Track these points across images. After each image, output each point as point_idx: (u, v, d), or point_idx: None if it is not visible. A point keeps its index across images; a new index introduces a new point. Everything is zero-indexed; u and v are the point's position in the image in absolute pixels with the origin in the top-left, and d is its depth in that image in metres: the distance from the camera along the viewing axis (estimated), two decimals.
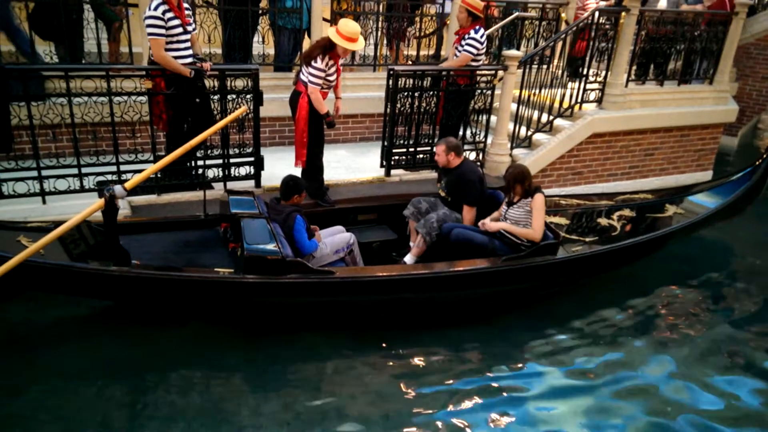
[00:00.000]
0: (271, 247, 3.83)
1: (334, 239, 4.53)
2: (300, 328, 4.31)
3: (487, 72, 6.08)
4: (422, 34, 7.47)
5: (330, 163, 5.67)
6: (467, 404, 3.74)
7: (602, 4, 8.22)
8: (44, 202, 4.57)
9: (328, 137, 6.16)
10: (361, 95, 6.80)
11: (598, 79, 6.91)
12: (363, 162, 6.31)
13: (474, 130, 6.27)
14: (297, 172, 5.07)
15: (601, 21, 6.81)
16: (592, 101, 6.90)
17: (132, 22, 5.96)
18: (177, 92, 4.74)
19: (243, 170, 5.27)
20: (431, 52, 7.82)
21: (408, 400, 3.73)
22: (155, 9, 4.51)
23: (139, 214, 4.73)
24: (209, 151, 5.12)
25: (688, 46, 7.42)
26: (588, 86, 6.81)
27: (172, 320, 4.27)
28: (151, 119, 4.79)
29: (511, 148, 6.51)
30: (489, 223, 4.61)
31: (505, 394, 3.86)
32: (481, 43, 5.75)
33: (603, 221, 5.26)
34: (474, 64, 5.88)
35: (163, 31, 4.55)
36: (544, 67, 6.56)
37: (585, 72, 6.76)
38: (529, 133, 6.65)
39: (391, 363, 4.08)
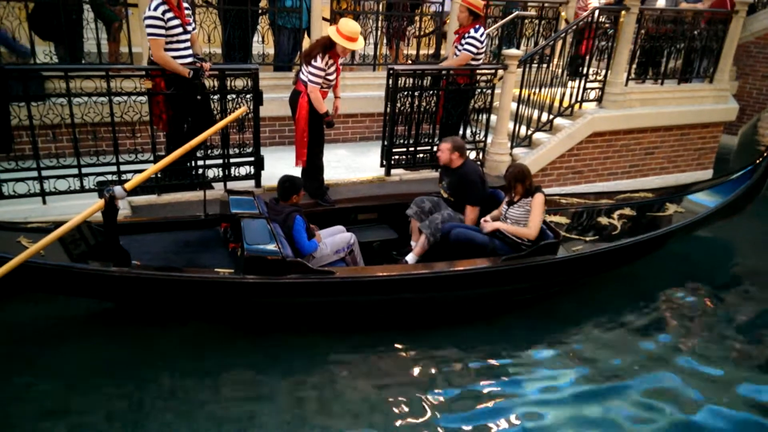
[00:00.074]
0: (271, 247, 3.83)
1: (334, 239, 4.53)
2: (300, 329, 4.31)
3: (487, 71, 6.08)
4: (422, 33, 7.47)
5: (330, 162, 5.67)
6: (467, 404, 3.74)
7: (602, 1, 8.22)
8: (44, 202, 4.57)
9: (328, 137, 6.16)
10: (361, 95, 6.80)
11: (598, 78, 6.91)
12: (363, 161, 6.31)
13: (474, 130, 6.27)
14: (297, 171, 5.07)
15: (601, 20, 6.81)
16: (592, 100, 6.90)
17: (132, 22, 5.96)
18: (177, 92, 4.74)
19: (243, 170, 5.27)
20: (431, 51, 7.81)
21: (408, 399, 3.73)
22: (155, 9, 4.51)
23: (140, 214, 4.73)
24: (209, 151, 5.12)
25: (688, 44, 7.41)
26: (588, 85, 6.80)
27: (172, 320, 4.27)
28: (151, 119, 4.79)
29: (511, 147, 6.51)
30: (486, 224, 4.61)
31: (505, 394, 3.86)
32: (481, 42, 5.75)
33: (603, 220, 5.25)
34: (474, 63, 5.88)
35: (162, 31, 4.55)
36: (544, 66, 6.56)
37: (585, 71, 6.75)
38: (529, 132, 6.65)
39: (391, 363, 4.09)
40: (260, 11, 6.44)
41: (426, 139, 6.07)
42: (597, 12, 6.68)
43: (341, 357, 4.08)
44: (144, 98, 4.76)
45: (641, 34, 7.09)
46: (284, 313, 4.28)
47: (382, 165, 6.04)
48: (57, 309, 4.30)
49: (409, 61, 7.51)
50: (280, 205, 4.35)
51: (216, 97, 4.98)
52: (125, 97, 4.65)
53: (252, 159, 5.26)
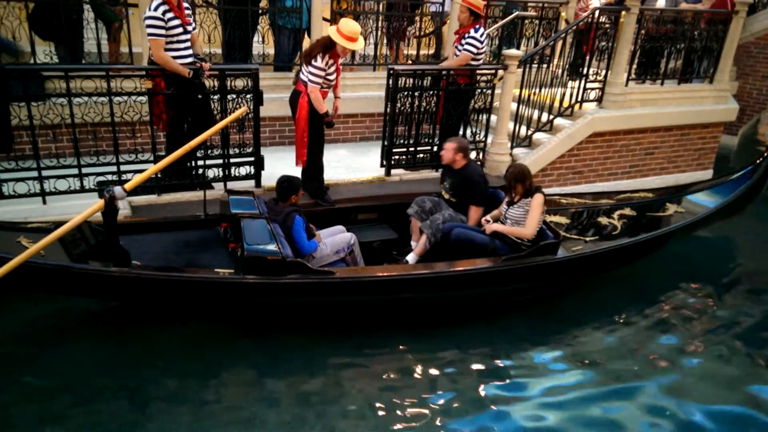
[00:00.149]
0: (271, 247, 3.82)
1: (334, 239, 4.53)
2: (300, 329, 4.31)
3: (487, 71, 6.08)
4: (422, 33, 7.47)
5: (330, 162, 5.67)
6: (467, 404, 3.74)
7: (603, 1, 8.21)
8: (44, 202, 4.57)
9: (328, 137, 6.16)
10: (361, 95, 6.80)
11: (599, 78, 6.91)
12: (363, 161, 6.31)
13: (474, 130, 6.27)
14: (297, 171, 5.07)
15: (601, 20, 6.81)
16: (592, 100, 6.90)
17: (132, 22, 5.96)
18: (177, 92, 4.74)
19: (243, 170, 5.27)
20: (431, 51, 7.81)
21: (408, 399, 3.73)
22: (155, 9, 4.51)
23: (140, 214, 4.73)
24: (209, 151, 5.12)
25: (688, 45, 7.41)
26: (588, 85, 6.80)
27: (172, 320, 4.27)
28: (151, 119, 4.79)
29: (512, 147, 6.51)
30: (486, 225, 4.62)
31: (505, 394, 3.86)
32: (481, 42, 5.75)
33: (603, 220, 5.25)
34: (474, 63, 5.88)
35: (163, 31, 4.55)
36: (544, 66, 6.56)
37: (585, 71, 6.75)
38: (530, 132, 6.65)
39: (391, 363, 4.08)
40: (260, 11, 6.44)
41: (426, 139, 6.07)
42: (597, 12, 6.68)
43: (341, 357, 4.08)
44: (144, 98, 4.76)
45: (641, 34, 7.09)
46: (284, 313, 4.28)
47: (382, 165, 6.04)
48: (57, 309, 4.30)
49: (410, 62, 7.51)
50: (279, 206, 4.35)
51: (216, 97, 4.98)
52: (125, 97, 4.65)
53: (252, 159, 5.26)
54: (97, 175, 4.72)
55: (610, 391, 3.96)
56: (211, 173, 5.16)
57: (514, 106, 6.44)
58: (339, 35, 4.75)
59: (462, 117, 6.10)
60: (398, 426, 3.52)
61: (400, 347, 4.23)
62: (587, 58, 6.84)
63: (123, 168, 4.76)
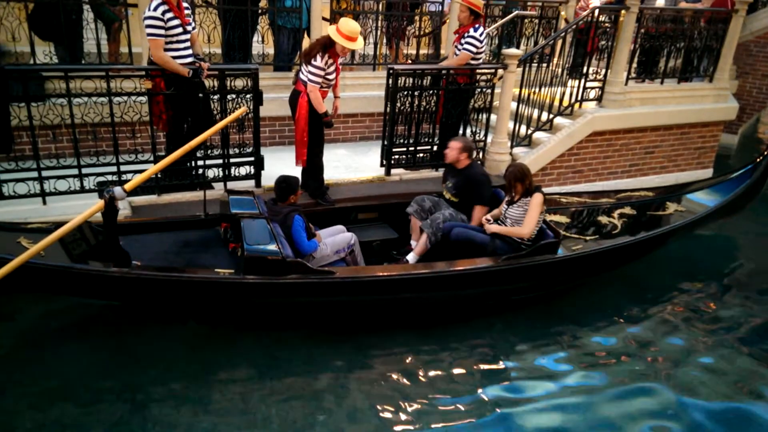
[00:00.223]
0: (271, 247, 3.83)
1: (335, 239, 4.53)
2: (301, 329, 4.31)
3: (486, 70, 6.08)
4: (422, 33, 7.47)
5: (330, 162, 5.66)
6: (467, 404, 3.74)
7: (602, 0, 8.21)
8: (45, 202, 4.56)
9: (328, 136, 6.16)
10: (361, 94, 6.80)
11: (598, 78, 6.90)
12: (363, 161, 6.31)
13: (474, 129, 6.27)
14: (297, 171, 5.07)
15: (600, 19, 6.80)
16: (592, 99, 6.89)
17: (131, 23, 5.96)
18: (177, 92, 4.74)
19: (243, 170, 5.27)
20: (431, 51, 7.81)
21: (408, 400, 3.73)
22: (154, 9, 4.51)
23: (140, 215, 4.73)
24: (209, 151, 5.12)
25: (688, 43, 7.41)
26: (588, 84, 6.80)
27: (171, 321, 4.26)
28: (151, 119, 4.79)
29: (511, 146, 6.50)
30: (487, 225, 4.62)
31: (505, 393, 3.87)
32: (481, 42, 5.75)
33: (603, 219, 5.25)
34: (474, 62, 5.87)
35: (162, 31, 4.55)
36: (544, 65, 6.56)
37: (585, 70, 6.75)
38: (529, 131, 6.65)
39: (391, 363, 4.08)
40: (260, 11, 6.43)
41: (426, 139, 6.07)
42: (597, 11, 6.68)
43: (342, 357, 4.07)
44: (144, 98, 4.76)
45: (641, 33, 7.09)
46: (285, 313, 4.28)
47: (382, 165, 6.04)
48: (57, 310, 4.30)
49: (409, 61, 7.50)
50: (278, 206, 4.35)
51: (216, 97, 4.98)
52: (125, 98, 4.65)
53: (252, 159, 5.25)
54: (97, 176, 4.72)
55: (611, 391, 3.96)
56: (211, 173, 5.15)
57: (513, 105, 6.43)
58: (338, 35, 4.75)
59: (462, 116, 6.10)
60: (398, 426, 3.52)
61: (401, 347, 4.23)
62: (590, 56, 6.83)
63: (123, 168, 4.76)
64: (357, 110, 6.84)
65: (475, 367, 4.12)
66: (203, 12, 5.99)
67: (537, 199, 4.46)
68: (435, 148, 6.12)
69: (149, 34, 4.54)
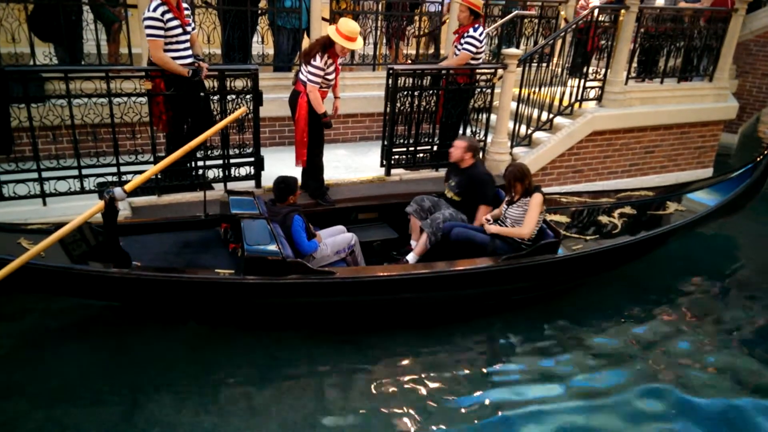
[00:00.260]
0: (271, 247, 3.83)
1: (335, 240, 4.53)
2: (301, 329, 4.31)
3: (486, 70, 6.08)
4: (421, 33, 7.47)
5: (330, 162, 5.66)
6: (467, 404, 3.74)
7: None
8: (45, 203, 4.57)
9: (328, 137, 6.16)
10: (361, 94, 6.80)
11: (598, 77, 6.90)
12: (363, 161, 6.31)
13: (474, 129, 6.27)
14: (297, 171, 5.07)
15: (600, 18, 6.80)
16: (592, 99, 6.89)
17: (131, 23, 5.96)
18: (177, 93, 4.74)
19: (243, 170, 5.27)
20: (430, 51, 7.81)
21: (408, 400, 3.73)
22: (154, 10, 4.51)
23: (140, 215, 4.73)
24: (209, 152, 5.12)
25: (687, 43, 7.41)
26: (588, 84, 6.80)
27: (172, 321, 4.27)
28: (150, 120, 4.79)
29: (511, 146, 6.50)
30: (488, 226, 4.62)
31: (506, 393, 3.86)
32: (481, 42, 5.75)
33: (604, 219, 5.25)
34: (473, 62, 5.88)
35: (161, 32, 4.55)
36: (544, 65, 6.55)
37: (589, 69, 6.75)
38: (529, 131, 6.65)
39: (391, 363, 4.08)
40: (260, 12, 6.44)
41: (426, 139, 6.07)
42: (597, 11, 6.68)
43: (342, 357, 4.08)
44: (144, 99, 4.76)
45: (641, 32, 7.09)
46: (285, 313, 4.28)
47: (382, 165, 6.04)
48: (57, 310, 4.30)
49: (409, 61, 7.50)
50: (277, 207, 4.35)
51: (216, 97, 4.98)
52: (125, 98, 4.65)
53: (252, 159, 5.26)
54: (97, 177, 4.72)
55: (611, 391, 3.95)
56: (211, 174, 5.15)
57: (513, 105, 6.43)
58: (338, 34, 4.75)
59: (462, 116, 6.10)
60: (398, 426, 3.52)
61: (401, 347, 4.23)
62: (592, 55, 6.83)
63: (123, 169, 4.76)
64: (357, 110, 6.84)
65: (475, 367, 4.12)
66: (203, 13, 5.99)
67: (537, 199, 4.46)
68: (435, 148, 6.12)
69: (148, 35, 4.54)
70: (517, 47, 7.83)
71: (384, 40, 7.41)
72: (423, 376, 3.96)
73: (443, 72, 5.95)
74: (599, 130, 6.85)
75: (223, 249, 4.24)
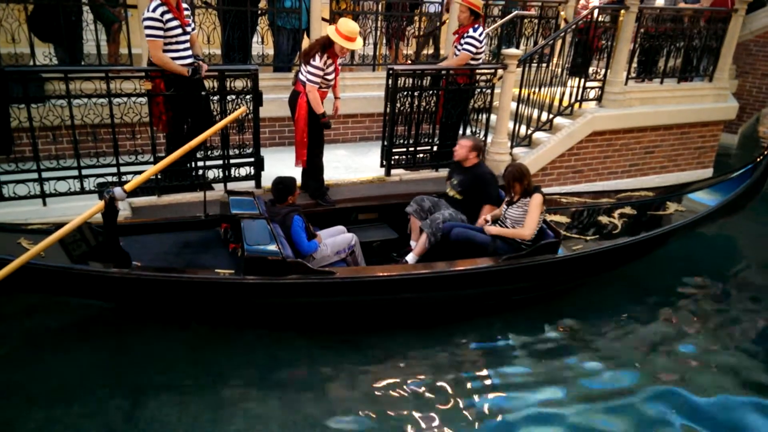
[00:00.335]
0: (271, 247, 3.83)
1: (335, 240, 4.53)
2: (301, 329, 4.31)
3: (486, 71, 6.08)
4: (421, 33, 7.48)
5: (330, 162, 5.66)
6: (466, 403, 3.73)
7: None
8: (45, 204, 4.57)
9: (328, 137, 6.16)
10: (361, 95, 6.80)
11: (598, 77, 6.91)
12: (363, 162, 6.31)
13: (474, 129, 6.27)
14: (297, 172, 5.07)
15: (600, 19, 6.80)
16: (591, 99, 6.89)
17: (131, 24, 5.96)
18: (176, 93, 4.74)
19: (243, 171, 5.27)
20: (430, 51, 7.81)
21: (409, 400, 3.73)
22: (153, 10, 4.51)
23: (140, 216, 4.73)
24: (209, 152, 5.12)
25: (687, 43, 7.41)
26: (588, 84, 6.80)
27: (172, 321, 4.26)
28: (150, 120, 4.79)
29: (511, 146, 6.51)
30: (487, 227, 4.62)
31: (506, 394, 3.86)
32: (480, 42, 5.75)
33: (604, 219, 5.25)
34: (473, 62, 5.88)
35: (161, 32, 4.55)
36: (544, 65, 6.55)
37: (592, 69, 6.75)
38: (529, 131, 6.65)
39: (392, 363, 4.08)
40: (259, 12, 6.44)
41: (426, 139, 6.07)
42: (597, 11, 6.68)
43: (342, 357, 4.07)
44: (144, 99, 4.76)
45: (641, 33, 7.09)
46: (285, 313, 4.28)
47: (382, 165, 6.04)
48: (57, 311, 4.30)
49: (409, 61, 7.50)
50: (277, 207, 4.35)
51: (216, 98, 4.98)
52: (125, 99, 4.65)
53: (252, 160, 5.26)
54: (97, 177, 4.72)
55: (611, 391, 3.95)
56: (211, 174, 5.16)
57: (513, 105, 6.43)
58: (337, 34, 4.75)
59: (462, 116, 6.10)
60: (399, 426, 3.51)
61: (401, 347, 4.22)
62: (594, 55, 6.83)
63: (123, 169, 4.76)
64: (357, 111, 6.84)
65: (475, 367, 4.12)
66: (203, 13, 6.00)
67: (536, 199, 4.46)
68: (435, 148, 6.12)
69: (148, 35, 4.54)
70: (517, 47, 7.83)
71: (384, 41, 7.41)
72: (423, 376, 3.95)
73: (443, 72, 5.95)
74: (599, 130, 6.85)
75: (223, 249, 4.24)
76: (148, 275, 3.70)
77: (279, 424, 3.45)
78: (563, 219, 5.18)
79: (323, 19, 6.42)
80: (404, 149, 5.99)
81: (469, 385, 3.91)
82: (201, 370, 3.82)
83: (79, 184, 4.65)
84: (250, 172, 5.30)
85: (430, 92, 5.90)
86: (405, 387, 3.84)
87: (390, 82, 5.63)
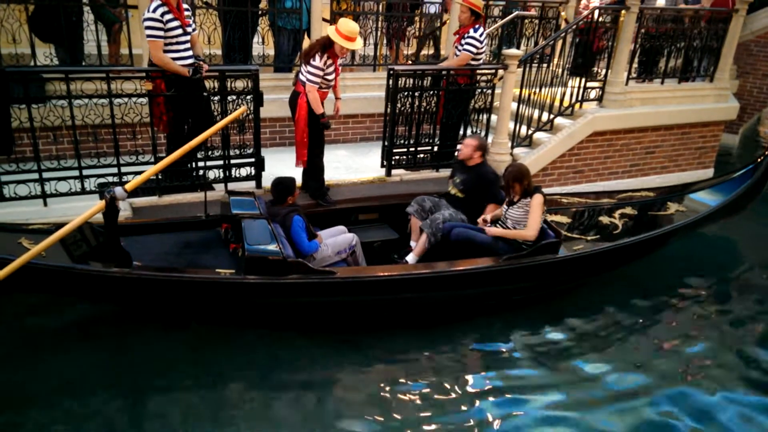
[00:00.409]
0: (272, 247, 3.83)
1: (336, 240, 4.53)
2: (302, 329, 4.30)
3: (487, 71, 6.08)
4: (421, 34, 7.48)
5: (330, 163, 5.67)
6: (466, 404, 3.73)
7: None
8: (45, 204, 4.57)
9: (329, 137, 6.16)
10: (362, 95, 6.80)
11: (599, 78, 6.90)
12: (364, 162, 6.31)
13: (474, 129, 6.27)
14: (298, 172, 5.07)
15: (601, 19, 6.80)
16: (592, 99, 6.89)
17: (132, 24, 5.96)
18: (177, 93, 4.74)
19: (244, 171, 5.27)
20: (431, 51, 7.81)
21: (409, 400, 3.72)
22: (154, 11, 4.51)
23: (141, 216, 4.73)
24: (210, 153, 5.12)
25: (688, 43, 7.40)
26: (588, 84, 6.80)
27: (173, 323, 4.26)
28: (151, 121, 4.79)
29: (512, 147, 6.50)
30: (488, 229, 4.61)
31: (507, 394, 3.86)
32: (481, 42, 5.75)
33: (604, 219, 5.25)
34: (474, 63, 5.88)
35: (161, 33, 4.55)
36: (544, 65, 6.56)
37: (595, 69, 6.75)
38: (530, 132, 6.64)
39: (392, 363, 4.08)
40: (260, 12, 6.44)
41: (426, 140, 6.07)
42: (597, 11, 6.68)
43: (343, 357, 4.07)
44: (144, 100, 4.76)
45: (641, 33, 7.09)
46: (285, 313, 4.28)
47: (382, 165, 6.04)
48: (58, 310, 4.30)
49: (409, 62, 7.50)
50: (276, 208, 4.35)
51: (216, 98, 4.98)
52: (126, 99, 4.66)
53: (253, 160, 5.26)
54: (98, 177, 4.72)
55: (613, 391, 3.95)
56: (211, 174, 5.16)
57: (514, 105, 6.43)
58: (337, 34, 4.76)
59: (462, 117, 6.10)
60: (399, 426, 3.51)
61: (401, 347, 4.22)
62: (596, 56, 6.83)
63: (124, 170, 4.76)
64: (357, 111, 6.84)
65: (475, 367, 4.12)
66: (203, 13, 6.00)
67: (537, 199, 4.46)
68: (435, 148, 6.12)
69: (148, 36, 4.54)
70: (518, 48, 7.83)
71: (384, 41, 7.41)
72: (423, 376, 3.95)
73: (444, 72, 5.95)
74: (600, 130, 6.85)
75: (223, 249, 4.24)
76: (149, 275, 3.70)
77: (279, 424, 3.45)
78: (564, 219, 5.18)
79: (324, 20, 6.42)
80: (405, 149, 5.99)
81: (469, 386, 3.90)
82: (201, 371, 3.82)
83: (80, 185, 4.65)
84: (250, 173, 5.30)
85: (431, 92, 5.90)
86: (405, 387, 3.84)
87: (391, 82, 5.63)
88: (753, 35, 9.72)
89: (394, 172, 5.99)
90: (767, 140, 10.31)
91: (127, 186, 3.51)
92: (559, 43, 6.75)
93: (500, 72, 6.11)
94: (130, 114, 4.73)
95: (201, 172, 5.10)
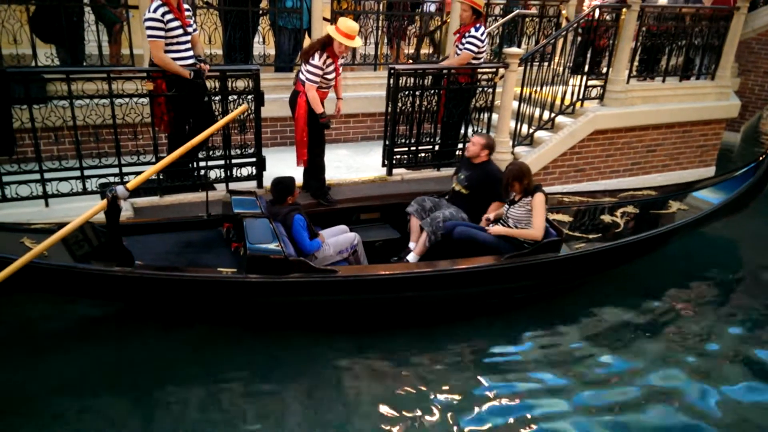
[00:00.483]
0: (273, 246, 3.83)
1: (338, 239, 4.53)
2: (303, 328, 4.30)
3: (488, 70, 6.07)
4: (420, 33, 7.48)
5: (331, 162, 5.66)
6: (467, 403, 3.72)
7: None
8: (47, 204, 4.57)
9: (329, 137, 6.16)
10: (362, 94, 6.80)
11: (600, 76, 6.89)
12: (365, 161, 6.31)
13: (475, 128, 6.26)
14: (299, 171, 5.06)
15: (602, 17, 6.80)
16: (593, 98, 6.89)
17: (132, 24, 5.97)
18: (178, 93, 4.74)
19: (245, 171, 5.27)
20: (430, 50, 7.81)
21: (410, 399, 3.72)
22: (154, 11, 4.51)
23: (142, 216, 4.73)
24: (211, 152, 5.12)
25: (689, 41, 7.39)
26: (589, 83, 6.79)
27: (174, 322, 4.26)
28: (152, 121, 4.79)
29: (513, 145, 6.50)
30: (491, 228, 4.61)
31: (508, 393, 3.85)
32: (482, 41, 5.75)
33: (606, 218, 5.24)
34: (475, 62, 5.87)
35: (162, 33, 4.55)
36: (546, 64, 6.55)
37: (599, 67, 6.74)
38: (531, 130, 6.64)
39: (394, 362, 4.07)
40: (261, 12, 6.45)
41: (427, 139, 6.06)
42: (598, 10, 6.67)
43: (344, 356, 4.07)
44: (145, 100, 4.77)
45: (642, 31, 7.08)
46: (287, 312, 4.28)
47: (383, 165, 6.04)
48: (59, 310, 4.30)
49: (410, 61, 7.50)
50: (277, 207, 4.35)
51: (217, 98, 4.98)
52: (127, 99, 4.66)
53: (254, 160, 5.26)
54: (99, 177, 4.73)
55: (613, 390, 3.94)
56: (213, 174, 5.16)
57: (515, 104, 6.43)
58: (337, 32, 4.76)
59: (463, 116, 6.10)
60: (399, 425, 3.51)
61: (403, 346, 4.22)
62: (596, 54, 6.82)
63: (125, 170, 4.76)
64: (358, 110, 6.84)
65: (477, 366, 4.11)
66: (204, 13, 6.00)
67: (539, 198, 4.45)
68: (436, 147, 6.12)
69: (149, 36, 4.55)
70: (519, 46, 7.82)
71: (385, 40, 7.41)
72: (425, 375, 3.95)
73: (444, 72, 5.95)
74: (601, 128, 6.84)
75: (225, 248, 4.24)
76: (150, 274, 3.70)
77: (280, 423, 3.45)
78: (566, 218, 5.17)
79: (324, 19, 6.42)
80: (406, 149, 5.98)
81: (470, 385, 3.90)
82: (202, 370, 3.82)
83: (81, 185, 4.65)
84: (251, 172, 5.30)
85: (432, 92, 5.90)
86: (406, 386, 3.83)
87: (391, 81, 5.63)
88: (754, 33, 9.71)
89: (395, 171, 5.99)
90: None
91: (129, 185, 3.52)
92: (560, 41, 6.74)
93: (501, 71, 6.11)
94: (132, 114, 4.73)
95: (202, 171, 5.11)
